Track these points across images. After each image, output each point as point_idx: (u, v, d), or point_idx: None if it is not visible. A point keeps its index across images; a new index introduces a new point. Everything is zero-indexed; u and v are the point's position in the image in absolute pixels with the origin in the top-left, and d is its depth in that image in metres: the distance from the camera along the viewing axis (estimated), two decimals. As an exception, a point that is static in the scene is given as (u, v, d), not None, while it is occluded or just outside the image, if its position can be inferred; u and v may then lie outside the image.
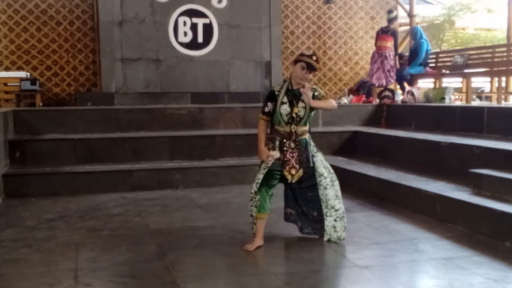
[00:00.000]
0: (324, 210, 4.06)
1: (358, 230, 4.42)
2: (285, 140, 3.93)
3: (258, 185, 3.90)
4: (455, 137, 5.99)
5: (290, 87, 3.94)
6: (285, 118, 3.91)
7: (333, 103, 4.01)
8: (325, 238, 4.10)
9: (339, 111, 7.92)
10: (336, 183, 4.10)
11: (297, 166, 3.95)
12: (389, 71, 8.91)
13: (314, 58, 3.87)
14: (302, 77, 3.87)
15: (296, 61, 3.92)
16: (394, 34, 9.00)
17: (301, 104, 3.91)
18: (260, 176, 3.91)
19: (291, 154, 3.94)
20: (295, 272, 3.49)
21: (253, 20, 9.27)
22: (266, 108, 3.94)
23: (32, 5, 8.77)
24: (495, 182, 4.50)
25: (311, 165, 4.00)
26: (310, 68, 3.87)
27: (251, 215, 3.96)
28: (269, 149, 3.93)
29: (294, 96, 3.91)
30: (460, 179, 5.04)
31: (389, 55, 8.91)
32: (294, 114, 3.90)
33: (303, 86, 3.84)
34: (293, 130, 3.92)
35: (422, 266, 3.61)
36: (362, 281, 3.32)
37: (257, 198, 3.91)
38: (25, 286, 3.29)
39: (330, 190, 4.03)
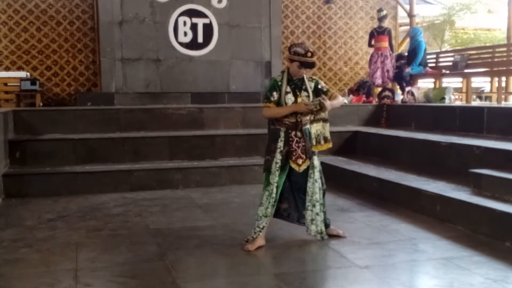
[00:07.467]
0: (307, 204, 4.04)
1: (358, 230, 4.42)
2: (290, 131, 3.93)
3: (277, 188, 3.91)
4: (455, 137, 5.99)
5: (290, 77, 3.95)
6: None
7: (341, 99, 4.09)
8: (307, 232, 4.09)
9: (339, 111, 7.85)
10: (320, 180, 4.07)
11: (304, 156, 3.96)
12: (388, 70, 8.94)
13: (309, 55, 3.85)
14: (300, 73, 3.93)
15: (291, 60, 3.91)
16: (389, 33, 9.02)
17: (304, 93, 3.93)
18: (277, 178, 3.91)
19: (297, 144, 3.94)
20: (295, 272, 3.49)
21: (253, 20, 9.26)
22: (272, 97, 3.89)
23: (32, 5, 8.76)
24: (495, 182, 4.50)
25: (315, 155, 4.01)
26: (307, 66, 3.89)
27: (266, 221, 3.94)
28: (272, 151, 3.92)
29: (296, 86, 3.94)
30: (460, 179, 5.04)
31: (389, 55, 8.93)
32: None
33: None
34: (299, 120, 3.91)
35: (422, 266, 3.61)
36: (362, 281, 3.32)
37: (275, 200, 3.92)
38: (25, 286, 3.29)
39: (318, 184, 4.04)
